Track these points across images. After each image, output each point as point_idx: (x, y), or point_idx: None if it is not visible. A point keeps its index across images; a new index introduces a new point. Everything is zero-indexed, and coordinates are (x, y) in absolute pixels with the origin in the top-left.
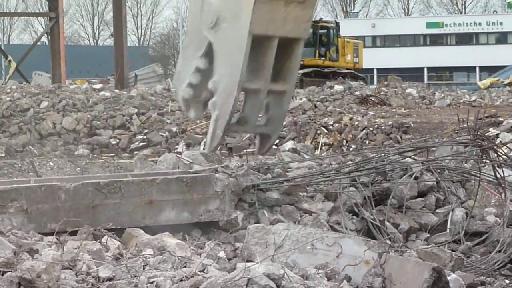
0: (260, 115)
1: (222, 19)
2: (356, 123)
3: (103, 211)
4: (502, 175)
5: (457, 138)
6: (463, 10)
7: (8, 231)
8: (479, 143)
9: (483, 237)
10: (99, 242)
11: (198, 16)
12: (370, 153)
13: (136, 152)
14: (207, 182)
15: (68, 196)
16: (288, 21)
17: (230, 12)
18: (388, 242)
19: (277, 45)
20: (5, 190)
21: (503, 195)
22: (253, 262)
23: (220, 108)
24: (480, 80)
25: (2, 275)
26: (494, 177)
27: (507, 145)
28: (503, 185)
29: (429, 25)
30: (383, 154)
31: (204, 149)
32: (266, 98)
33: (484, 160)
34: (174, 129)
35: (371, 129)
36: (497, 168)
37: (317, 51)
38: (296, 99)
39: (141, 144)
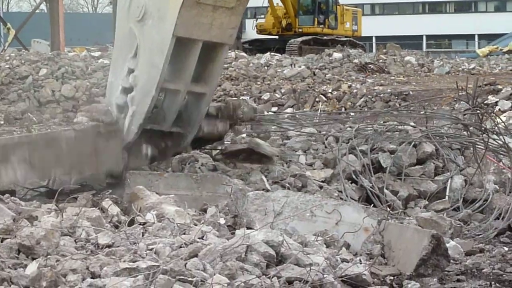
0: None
1: (149, 15)
2: (355, 90)
3: (105, 156)
4: (504, 142)
5: (456, 106)
6: None
7: (7, 198)
8: (478, 111)
9: (478, 204)
10: (99, 208)
11: (125, 19)
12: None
13: None
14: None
15: (70, 142)
16: (214, 26)
17: (157, 10)
18: (387, 209)
19: (201, 47)
20: (7, 142)
21: (501, 163)
22: (252, 229)
23: (137, 105)
24: (479, 48)
25: (2, 241)
26: (494, 145)
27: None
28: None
29: None
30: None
31: None
32: (185, 98)
33: (482, 128)
34: None
35: (370, 96)
36: (497, 135)
37: (316, 19)
38: (295, 66)
39: None
